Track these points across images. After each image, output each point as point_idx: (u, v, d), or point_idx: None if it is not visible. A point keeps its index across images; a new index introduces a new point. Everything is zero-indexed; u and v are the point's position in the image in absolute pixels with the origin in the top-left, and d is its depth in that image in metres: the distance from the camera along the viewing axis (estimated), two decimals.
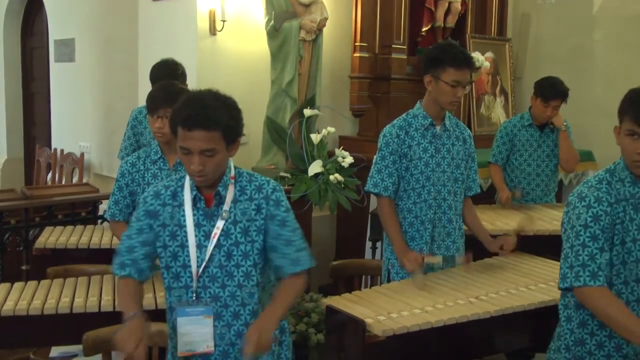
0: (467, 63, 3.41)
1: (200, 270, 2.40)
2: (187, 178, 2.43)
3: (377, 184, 3.53)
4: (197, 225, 2.40)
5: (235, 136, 2.36)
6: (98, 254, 3.97)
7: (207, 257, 2.39)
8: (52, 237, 4.10)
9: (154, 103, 3.37)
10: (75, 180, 7.33)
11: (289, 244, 2.45)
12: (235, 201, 2.42)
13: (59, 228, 4.35)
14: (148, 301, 3.14)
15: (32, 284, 3.35)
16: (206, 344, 2.41)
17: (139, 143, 4.40)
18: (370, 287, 3.50)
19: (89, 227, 4.43)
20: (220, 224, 2.40)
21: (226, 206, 2.40)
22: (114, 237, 4.08)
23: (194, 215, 2.40)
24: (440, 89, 3.42)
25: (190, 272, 2.41)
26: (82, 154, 7.43)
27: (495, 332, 3.23)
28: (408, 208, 3.55)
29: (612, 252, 2.39)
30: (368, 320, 2.81)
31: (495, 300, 3.11)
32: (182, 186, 2.45)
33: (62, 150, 7.75)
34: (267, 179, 2.50)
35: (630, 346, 2.44)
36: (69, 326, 3.11)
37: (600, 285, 2.31)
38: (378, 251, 4.96)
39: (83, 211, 5.43)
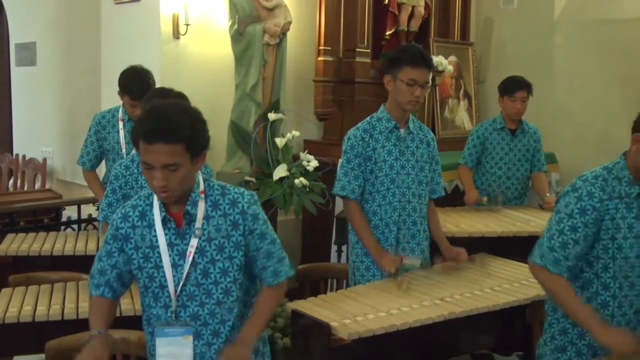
0: (425, 62, 3.43)
1: (178, 289, 2.32)
2: (156, 196, 2.34)
3: (345, 186, 3.54)
4: (170, 245, 2.32)
5: (200, 149, 2.26)
6: (61, 261, 3.91)
7: (183, 277, 2.31)
8: (14, 244, 4.04)
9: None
10: (37, 186, 7.23)
11: (269, 256, 2.41)
12: (207, 217, 2.33)
13: (20, 235, 4.29)
14: (127, 306, 3.12)
15: None
16: None
17: (102, 148, 4.35)
18: (335, 291, 3.51)
19: (52, 233, 4.37)
20: (194, 242, 2.31)
21: (198, 224, 2.31)
22: (77, 244, 4.05)
23: (165, 234, 2.32)
24: (397, 88, 3.45)
25: (169, 292, 2.33)
26: (45, 160, 7.33)
27: (460, 333, 3.26)
28: (373, 210, 3.56)
29: (600, 245, 2.48)
30: (333, 324, 2.80)
31: (461, 302, 3.13)
32: (151, 204, 2.35)
33: (24, 156, 7.64)
34: (241, 190, 2.40)
35: None
36: (31, 335, 3.06)
37: (558, 274, 2.46)
38: (344, 255, 4.97)
39: (46, 217, 5.36)
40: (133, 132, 2.24)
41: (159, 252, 2.33)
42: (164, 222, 2.32)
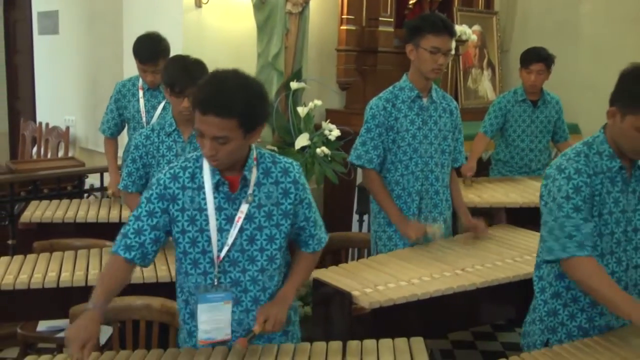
0: (447, 29, 3.39)
1: (222, 254, 2.31)
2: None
3: (361, 155, 3.53)
4: (219, 209, 2.31)
5: (254, 124, 2.25)
6: (84, 228, 3.95)
7: (230, 242, 2.31)
8: (38, 212, 4.08)
9: (180, 85, 3.18)
10: (60, 154, 7.28)
11: (316, 225, 2.49)
12: (258, 184, 2.34)
13: (44, 202, 4.32)
14: (164, 272, 3.14)
15: (18, 258, 3.33)
16: (224, 332, 2.34)
17: (122, 117, 4.37)
18: (357, 260, 3.51)
19: (75, 201, 4.41)
20: (244, 207, 2.31)
21: (251, 189, 2.32)
22: (100, 212, 4.08)
23: (214, 198, 2.30)
24: (420, 56, 3.41)
25: (210, 258, 2.32)
26: (68, 128, 7.37)
27: (481, 304, 3.26)
28: (395, 180, 3.55)
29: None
30: (355, 293, 2.82)
31: (481, 272, 3.13)
32: (201, 167, 2.33)
33: (47, 124, 7.69)
34: (290, 160, 2.43)
35: (602, 318, 2.48)
36: (56, 300, 3.10)
37: (588, 254, 2.32)
38: (365, 224, 4.97)
39: (69, 185, 5.40)
40: (194, 97, 2.24)
41: (206, 215, 2.31)
42: (217, 185, 2.31)
